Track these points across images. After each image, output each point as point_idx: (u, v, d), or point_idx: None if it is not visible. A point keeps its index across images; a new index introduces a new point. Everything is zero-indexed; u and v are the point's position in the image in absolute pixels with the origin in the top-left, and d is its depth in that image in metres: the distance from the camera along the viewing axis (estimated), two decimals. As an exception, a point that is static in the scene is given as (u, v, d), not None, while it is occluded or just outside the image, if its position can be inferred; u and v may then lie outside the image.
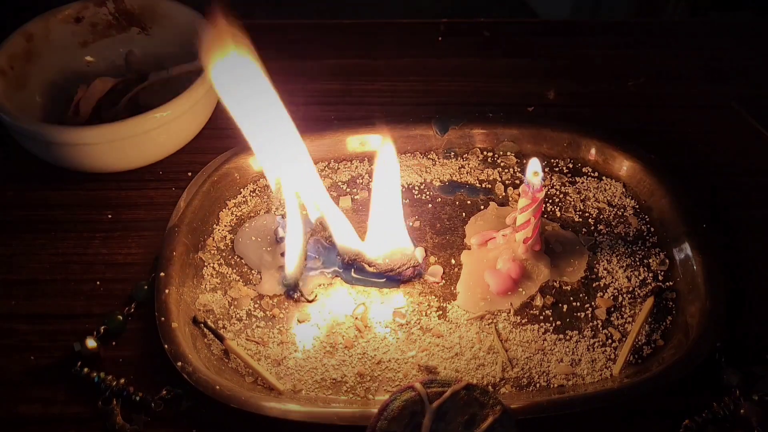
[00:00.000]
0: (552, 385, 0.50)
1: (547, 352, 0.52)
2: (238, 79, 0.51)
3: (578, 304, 0.54)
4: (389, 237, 0.55)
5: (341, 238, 0.56)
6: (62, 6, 0.67)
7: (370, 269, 0.55)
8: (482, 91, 0.72)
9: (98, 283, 0.56)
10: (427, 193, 0.62)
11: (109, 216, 0.60)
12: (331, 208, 0.55)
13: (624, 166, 0.62)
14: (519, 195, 0.60)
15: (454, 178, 0.63)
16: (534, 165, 0.54)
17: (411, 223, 0.59)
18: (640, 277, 0.56)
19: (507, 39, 0.78)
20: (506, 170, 0.63)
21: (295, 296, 0.54)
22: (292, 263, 0.54)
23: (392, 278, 0.55)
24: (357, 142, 0.64)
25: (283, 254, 0.56)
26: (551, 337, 0.52)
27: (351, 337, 0.53)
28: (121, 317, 0.52)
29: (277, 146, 0.53)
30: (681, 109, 0.70)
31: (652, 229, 0.59)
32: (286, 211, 0.55)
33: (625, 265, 0.56)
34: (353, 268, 0.56)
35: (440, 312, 0.54)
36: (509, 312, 0.54)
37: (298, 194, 0.55)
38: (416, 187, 0.62)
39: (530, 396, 0.49)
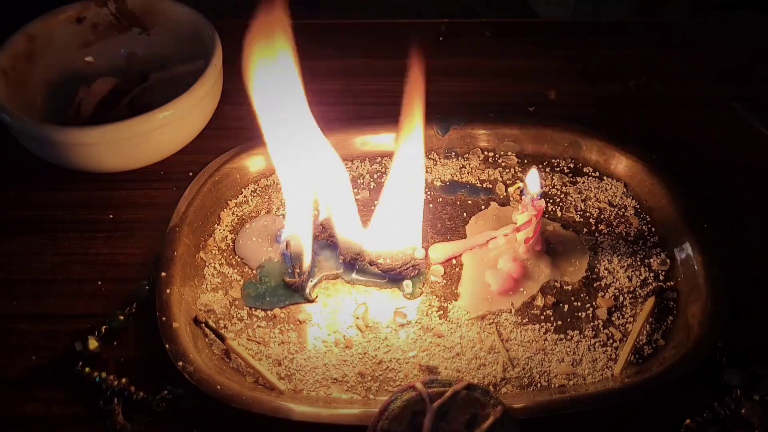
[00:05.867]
0: (553, 385, 0.50)
1: (548, 351, 0.52)
2: (272, 79, 0.51)
3: (579, 303, 0.54)
4: (395, 234, 0.55)
5: (343, 238, 0.56)
6: (64, 6, 0.67)
7: (372, 269, 0.56)
8: (483, 91, 0.72)
9: (99, 282, 0.56)
10: (428, 193, 0.62)
11: (111, 216, 0.61)
12: (348, 203, 0.55)
13: (625, 166, 0.62)
14: (520, 195, 0.60)
15: (455, 178, 0.63)
16: (528, 178, 0.54)
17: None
18: (641, 277, 0.56)
19: (508, 39, 0.78)
20: (507, 170, 0.63)
21: (300, 289, 0.55)
22: (302, 258, 0.55)
23: (393, 278, 0.55)
24: (358, 142, 0.64)
25: (282, 254, 0.56)
26: (552, 336, 0.52)
27: (352, 337, 0.53)
28: (122, 317, 0.52)
29: (296, 142, 0.54)
30: (681, 109, 0.70)
31: (653, 229, 0.59)
32: (289, 211, 0.55)
33: (626, 265, 0.56)
34: (354, 268, 0.56)
35: (441, 312, 0.54)
36: (510, 312, 0.54)
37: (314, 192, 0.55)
38: (417, 187, 0.62)
39: (531, 396, 0.49)
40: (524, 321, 0.53)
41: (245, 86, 0.51)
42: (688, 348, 0.50)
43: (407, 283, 0.55)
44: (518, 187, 0.61)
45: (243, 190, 0.62)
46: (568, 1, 1.42)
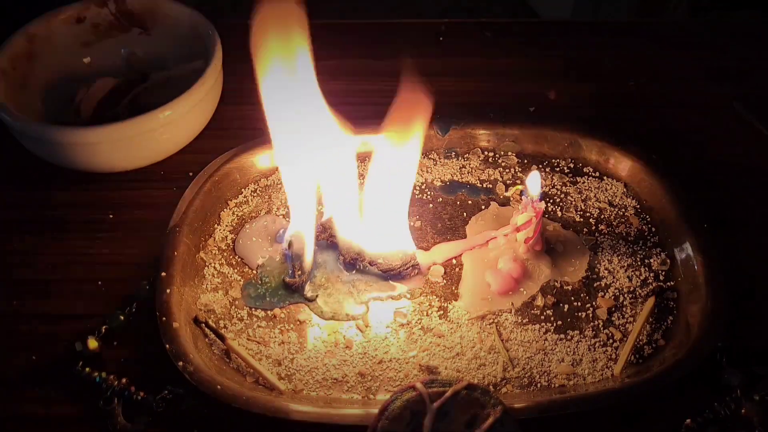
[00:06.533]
0: (553, 385, 0.50)
1: (548, 351, 0.52)
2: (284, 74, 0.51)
3: (579, 303, 0.54)
4: (390, 237, 0.55)
5: (343, 238, 0.56)
6: (64, 7, 0.67)
7: (372, 269, 0.56)
8: (483, 91, 0.72)
9: (100, 283, 0.56)
10: (429, 193, 0.62)
11: (111, 216, 0.61)
12: (352, 201, 0.55)
13: (625, 166, 0.62)
14: (521, 195, 0.60)
15: (455, 178, 0.63)
16: (528, 180, 0.54)
17: (412, 223, 0.59)
18: (641, 277, 0.56)
19: (508, 39, 0.78)
20: (507, 170, 0.63)
21: (300, 289, 0.55)
22: (303, 258, 0.55)
23: (393, 278, 0.55)
24: (358, 142, 0.64)
25: (284, 254, 0.56)
26: (552, 336, 0.52)
27: (352, 337, 0.53)
28: (122, 317, 0.52)
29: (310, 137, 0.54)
30: (681, 109, 0.70)
31: (653, 229, 0.59)
32: (292, 210, 0.55)
33: (626, 264, 0.56)
34: (355, 268, 0.56)
35: (441, 312, 0.54)
36: (510, 312, 0.54)
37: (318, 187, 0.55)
38: (417, 187, 0.62)
39: (531, 396, 0.49)
40: (524, 321, 0.53)
41: (256, 80, 0.50)
42: (688, 348, 0.50)
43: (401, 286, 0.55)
44: (518, 189, 0.61)
45: (243, 190, 0.62)
46: (568, 1, 1.42)
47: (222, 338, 0.51)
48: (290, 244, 0.54)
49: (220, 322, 0.53)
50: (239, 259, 0.57)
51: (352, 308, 0.54)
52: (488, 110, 0.68)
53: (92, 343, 0.50)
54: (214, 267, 0.56)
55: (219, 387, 0.47)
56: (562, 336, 0.52)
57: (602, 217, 0.60)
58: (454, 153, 0.65)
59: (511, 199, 0.61)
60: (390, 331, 0.53)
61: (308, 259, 0.55)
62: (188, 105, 0.60)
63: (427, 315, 0.54)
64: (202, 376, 0.48)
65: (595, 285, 0.56)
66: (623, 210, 0.60)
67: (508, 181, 0.63)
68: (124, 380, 0.49)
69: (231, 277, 0.56)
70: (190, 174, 0.61)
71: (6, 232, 0.59)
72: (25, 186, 0.63)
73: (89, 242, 0.59)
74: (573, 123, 0.65)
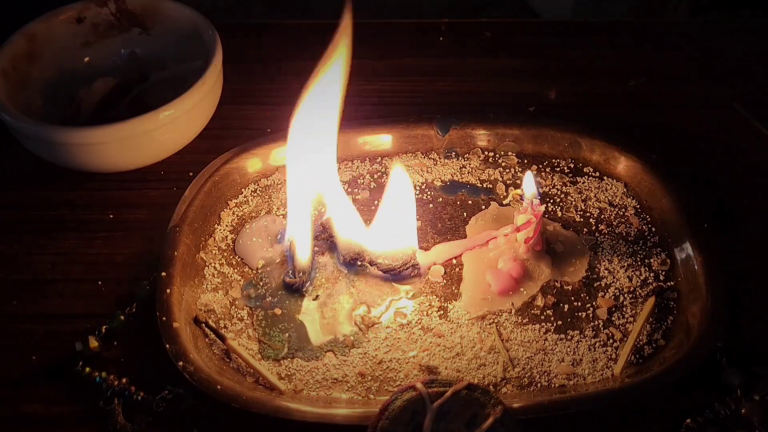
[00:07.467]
0: (553, 385, 0.50)
1: (549, 351, 0.52)
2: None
3: (579, 303, 0.54)
4: (393, 236, 0.55)
5: (343, 237, 0.56)
6: (64, 6, 0.67)
7: (372, 269, 0.56)
8: (483, 91, 0.72)
9: (100, 282, 0.56)
10: (429, 193, 0.62)
11: (111, 216, 0.61)
12: (345, 204, 0.55)
13: (625, 166, 0.62)
14: (520, 196, 0.60)
15: (456, 178, 0.63)
16: (525, 182, 0.54)
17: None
18: (642, 277, 0.56)
19: (508, 39, 0.78)
20: (507, 170, 0.63)
21: (301, 289, 0.55)
22: (303, 258, 0.55)
23: (394, 278, 0.55)
24: (358, 142, 0.64)
25: (285, 254, 0.56)
26: (552, 336, 0.52)
27: (352, 337, 0.53)
28: (122, 317, 0.52)
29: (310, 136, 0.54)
30: (681, 109, 0.70)
31: (654, 229, 0.59)
32: (291, 210, 0.55)
33: (626, 264, 0.56)
34: (355, 268, 0.56)
35: (441, 312, 0.54)
36: (510, 312, 0.54)
37: (317, 189, 0.55)
38: (417, 187, 0.62)
39: (531, 396, 0.49)
40: (524, 321, 0.53)
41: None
42: (688, 348, 0.50)
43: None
44: (516, 194, 0.61)
45: (243, 190, 0.62)
46: (568, 1, 1.42)
47: (222, 338, 0.51)
48: (291, 245, 0.54)
49: (220, 322, 0.53)
50: (239, 259, 0.57)
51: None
52: (488, 110, 0.68)
53: (92, 343, 0.50)
54: (214, 267, 0.56)
55: (219, 387, 0.47)
56: (562, 336, 0.52)
57: (602, 217, 0.60)
58: (454, 153, 0.65)
59: (511, 201, 0.61)
60: (390, 331, 0.53)
61: (308, 260, 0.55)
62: (188, 105, 0.60)
63: (427, 315, 0.54)
64: (202, 376, 0.48)
65: (595, 285, 0.56)
66: (623, 210, 0.60)
67: (508, 181, 0.63)
68: (124, 380, 0.49)
69: (231, 277, 0.56)
70: (190, 174, 0.61)
71: (6, 232, 0.59)
72: (25, 186, 0.63)
73: (89, 242, 0.59)
74: (573, 123, 0.65)
